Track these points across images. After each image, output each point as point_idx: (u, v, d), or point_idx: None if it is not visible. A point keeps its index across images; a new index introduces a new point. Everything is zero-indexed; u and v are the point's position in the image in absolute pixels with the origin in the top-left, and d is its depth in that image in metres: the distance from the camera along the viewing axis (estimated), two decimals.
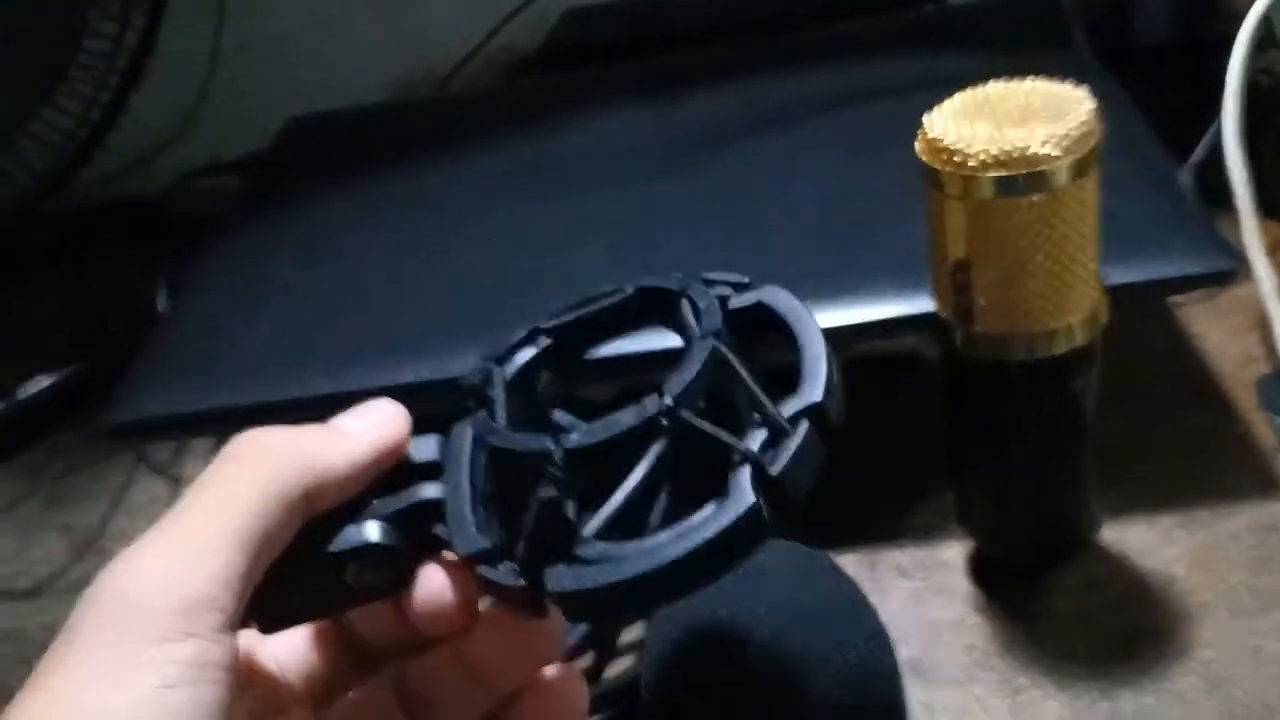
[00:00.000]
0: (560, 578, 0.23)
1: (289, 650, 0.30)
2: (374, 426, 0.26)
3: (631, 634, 0.40)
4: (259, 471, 0.24)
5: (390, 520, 0.26)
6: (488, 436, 0.25)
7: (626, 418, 0.23)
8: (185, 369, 0.47)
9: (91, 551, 0.50)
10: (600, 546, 0.23)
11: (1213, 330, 0.49)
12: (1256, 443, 0.43)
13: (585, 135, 0.58)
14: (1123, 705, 0.35)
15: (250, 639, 0.29)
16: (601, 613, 0.28)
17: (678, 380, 0.24)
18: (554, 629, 0.27)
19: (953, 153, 0.31)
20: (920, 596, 0.40)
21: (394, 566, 0.26)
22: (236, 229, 0.57)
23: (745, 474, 0.23)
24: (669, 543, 0.23)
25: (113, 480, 0.54)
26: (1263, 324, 0.48)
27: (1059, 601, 0.39)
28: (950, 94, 0.33)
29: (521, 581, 0.24)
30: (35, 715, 0.21)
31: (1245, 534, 0.39)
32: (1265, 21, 0.47)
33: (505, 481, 0.26)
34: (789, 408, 0.24)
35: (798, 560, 0.31)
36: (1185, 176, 0.45)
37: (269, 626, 0.27)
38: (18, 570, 0.51)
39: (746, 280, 0.28)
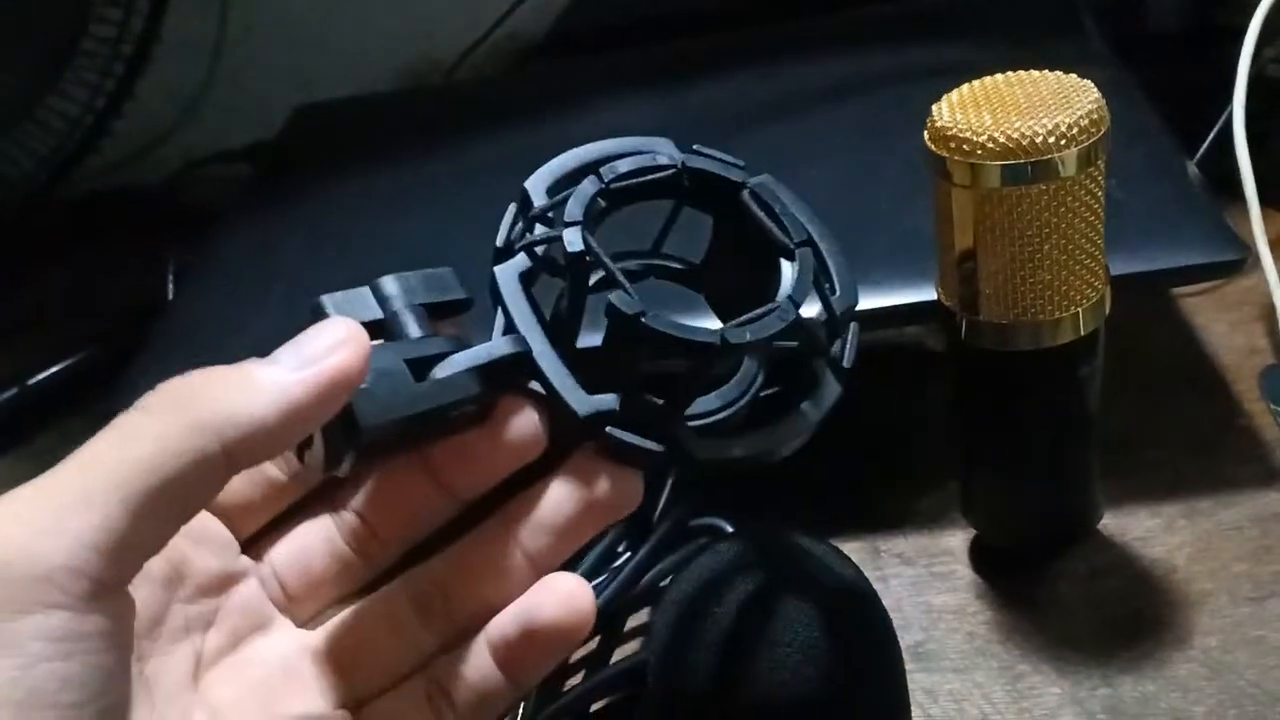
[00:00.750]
0: (711, 447, 0.27)
1: (288, 560, 0.29)
2: (314, 360, 0.23)
3: (637, 619, 0.40)
4: (165, 423, 0.21)
5: (480, 371, 0.27)
6: (641, 316, 0.26)
7: (773, 323, 0.27)
8: (193, 356, 0.47)
9: None
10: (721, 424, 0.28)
11: (1217, 321, 0.49)
12: (1259, 434, 0.43)
13: (592, 124, 0.58)
14: (1123, 692, 0.35)
15: (228, 560, 0.28)
16: (732, 474, 0.33)
17: (800, 289, 0.28)
18: (635, 486, 0.28)
19: (960, 141, 0.31)
20: (922, 584, 0.40)
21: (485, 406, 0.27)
22: (244, 217, 0.57)
23: (827, 369, 0.30)
24: (789, 427, 0.28)
25: None
26: (1267, 316, 0.48)
27: (1061, 589, 0.39)
28: (960, 83, 0.33)
29: (659, 447, 0.27)
30: None
31: (1247, 524, 0.40)
32: (1277, 10, 0.47)
33: (619, 354, 0.27)
34: (837, 308, 0.30)
35: (802, 548, 0.31)
36: (1194, 166, 0.45)
37: (363, 462, 0.26)
38: None
39: (741, 163, 0.32)
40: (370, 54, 0.75)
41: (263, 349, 0.47)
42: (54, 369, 0.59)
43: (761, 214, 0.30)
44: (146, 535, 0.21)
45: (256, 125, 0.67)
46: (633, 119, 0.57)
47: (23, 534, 0.20)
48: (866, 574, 0.33)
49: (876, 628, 0.30)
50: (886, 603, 0.33)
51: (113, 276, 0.66)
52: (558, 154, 0.58)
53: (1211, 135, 0.51)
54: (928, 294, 0.39)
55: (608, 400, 0.27)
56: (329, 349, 0.24)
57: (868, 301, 0.41)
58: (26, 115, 0.68)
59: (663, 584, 0.39)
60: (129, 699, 0.21)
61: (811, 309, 0.29)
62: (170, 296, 0.56)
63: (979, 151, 0.31)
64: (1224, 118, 0.49)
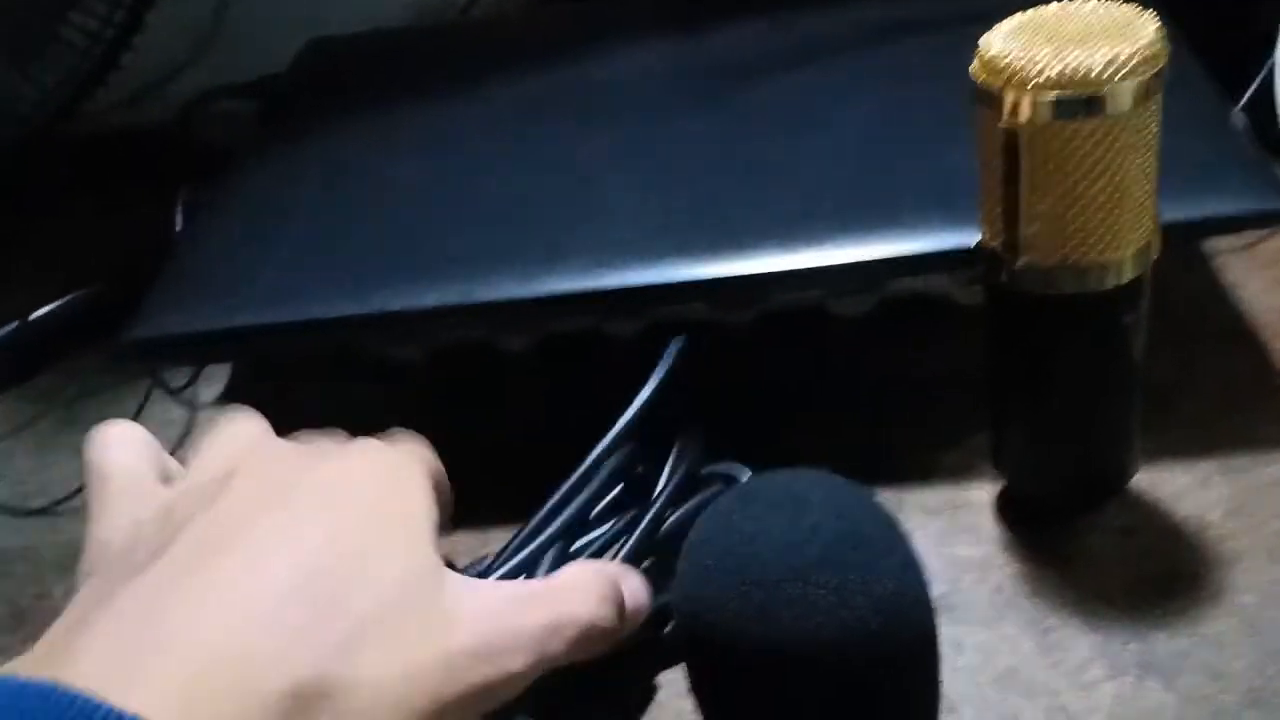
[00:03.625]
0: None
1: None
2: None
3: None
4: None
5: None
6: None
7: None
8: (204, 289, 0.46)
9: None
10: None
11: (1251, 279, 0.48)
12: None
13: (614, 63, 0.56)
14: (1156, 647, 0.34)
15: None
16: None
17: None
18: None
19: (1013, 72, 0.30)
20: (947, 535, 0.39)
21: None
22: (256, 151, 0.56)
23: None
24: None
25: (129, 404, 0.53)
26: None
27: (1091, 543, 0.38)
28: (989, 28, 0.32)
29: None
30: None
31: None
32: None
33: None
34: None
35: (836, 488, 0.30)
36: (1240, 114, 0.44)
37: None
38: (32, 489, 0.51)
39: None
40: None
41: (276, 282, 0.46)
42: (56, 304, 0.58)
43: None
44: None
45: (268, 61, 0.66)
46: (652, 60, 0.56)
47: None
48: None
49: (910, 570, 0.29)
50: None
51: (121, 213, 0.64)
52: (583, 88, 0.57)
53: (1252, 88, 0.50)
54: (960, 240, 0.38)
55: None
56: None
57: (899, 247, 0.41)
58: (34, 48, 0.66)
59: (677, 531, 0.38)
60: None
61: None
62: (180, 232, 0.55)
63: (1033, 83, 0.30)
64: (1265, 71, 0.47)
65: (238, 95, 0.68)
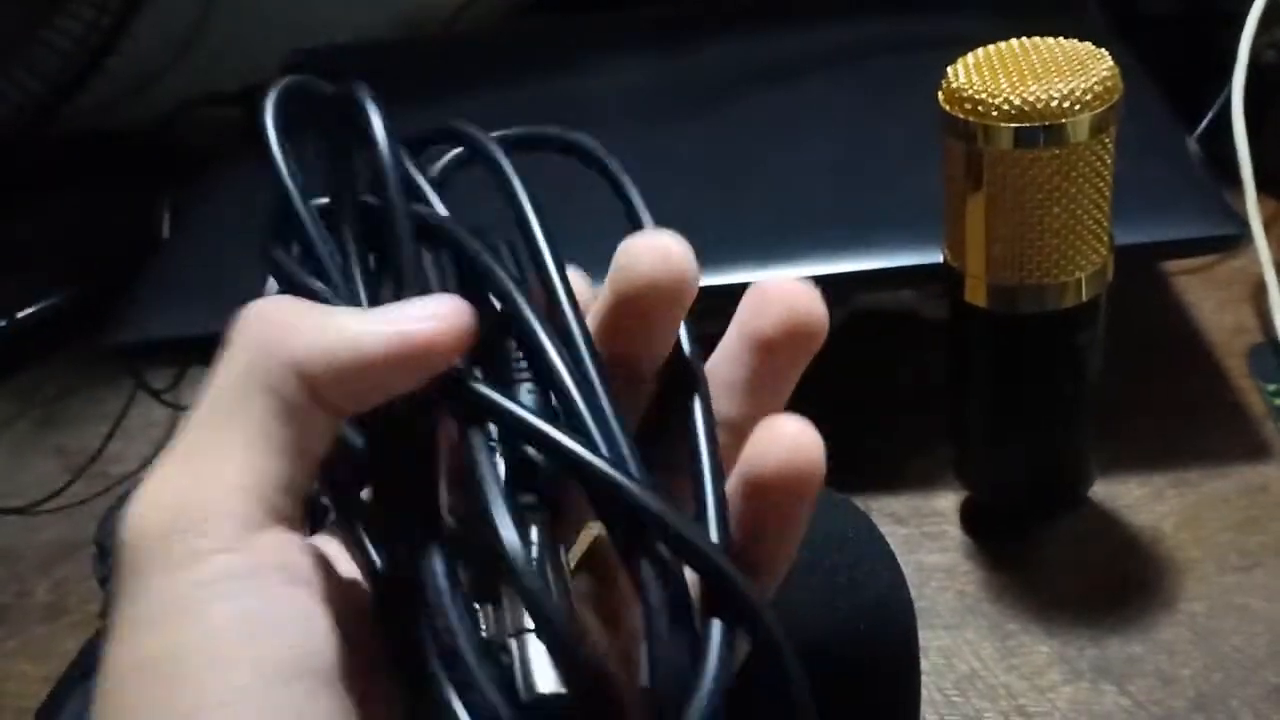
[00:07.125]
0: None
1: None
2: (405, 320, 0.20)
3: None
4: (251, 359, 0.21)
5: None
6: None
7: None
8: (187, 293, 0.47)
9: (87, 474, 0.50)
10: None
11: (1207, 300, 0.50)
12: (1247, 410, 0.44)
13: (592, 79, 0.57)
14: (1110, 653, 0.36)
15: None
16: None
17: None
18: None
19: (975, 103, 0.31)
20: (914, 543, 0.41)
21: None
22: (240, 157, 0.56)
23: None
24: None
25: (109, 404, 0.53)
26: (1256, 295, 0.49)
27: (1051, 552, 0.40)
28: (960, 54, 0.33)
29: None
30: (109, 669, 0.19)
31: (1234, 496, 0.40)
32: None
33: None
34: None
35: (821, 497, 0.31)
36: (1194, 142, 0.46)
37: None
38: (10, 489, 0.51)
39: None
40: (367, 2, 0.74)
41: (257, 290, 0.47)
42: (41, 304, 0.59)
43: None
44: (281, 471, 0.20)
45: (251, 69, 0.66)
46: (629, 78, 0.57)
47: (176, 491, 0.20)
48: None
49: (894, 573, 0.30)
50: None
51: (105, 214, 0.65)
52: (561, 106, 0.56)
53: (1209, 116, 0.52)
54: (928, 257, 0.39)
55: None
56: (421, 316, 0.21)
57: (869, 263, 0.42)
58: (19, 50, 0.67)
59: None
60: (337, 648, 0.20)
61: None
62: (166, 234, 0.56)
63: (993, 114, 0.31)
64: (1220, 101, 0.49)
65: (221, 103, 0.69)
